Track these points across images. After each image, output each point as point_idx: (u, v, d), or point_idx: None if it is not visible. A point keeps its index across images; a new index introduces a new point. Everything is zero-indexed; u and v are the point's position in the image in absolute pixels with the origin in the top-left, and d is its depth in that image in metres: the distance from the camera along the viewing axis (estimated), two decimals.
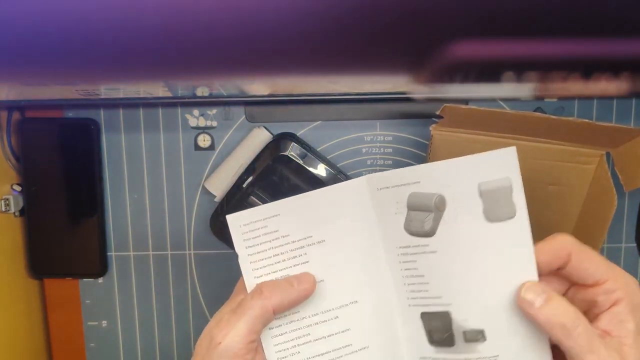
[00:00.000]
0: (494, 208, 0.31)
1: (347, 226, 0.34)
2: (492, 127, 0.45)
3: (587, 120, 0.43)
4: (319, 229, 0.34)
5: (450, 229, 0.32)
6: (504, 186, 0.31)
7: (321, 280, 0.34)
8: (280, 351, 0.34)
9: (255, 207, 0.34)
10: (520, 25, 0.18)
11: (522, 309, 0.30)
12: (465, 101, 0.49)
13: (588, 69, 0.20)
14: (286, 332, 0.34)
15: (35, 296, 0.54)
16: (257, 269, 0.34)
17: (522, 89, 0.21)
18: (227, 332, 0.31)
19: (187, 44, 0.19)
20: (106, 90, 0.48)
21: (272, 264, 0.34)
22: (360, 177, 0.34)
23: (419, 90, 0.48)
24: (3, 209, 0.50)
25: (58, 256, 0.52)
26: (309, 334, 0.35)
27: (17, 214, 0.51)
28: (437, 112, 0.44)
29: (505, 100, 0.50)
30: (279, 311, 0.33)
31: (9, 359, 0.50)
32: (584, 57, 0.19)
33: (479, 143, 0.46)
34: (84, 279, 0.53)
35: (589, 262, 0.31)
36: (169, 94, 0.49)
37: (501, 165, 0.30)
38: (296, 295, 0.33)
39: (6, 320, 0.50)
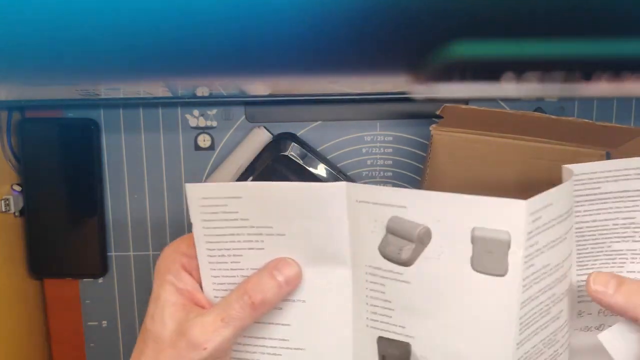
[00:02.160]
0: (484, 258, 0.28)
1: (312, 227, 0.32)
2: (492, 127, 0.45)
3: (587, 120, 0.43)
4: (281, 222, 0.33)
5: (430, 265, 0.30)
6: (500, 239, 0.28)
7: None
8: None
9: (218, 184, 0.32)
10: (520, 25, 0.18)
11: (596, 301, 0.30)
12: (465, 101, 0.49)
13: (588, 69, 0.20)
14: None
15: (35, 296, 0.54)
16: (210, 242, 0.33)
17: (522, 89, 0.21)
18: (214, 338, 0.31)
19: (187, 43, 0.19)
20: (106, 90, 0.48)
21: (226, 242, 0.33)
22: (340, 182, 0.32)
23: (419, 90, 0.48)
24: (3, 209, 0.50)
25: (58, 256, 0.52)
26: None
27: (17, 214, 0.51)
28: (437, 112, 0.44)
29: (505, 100, 0.50)
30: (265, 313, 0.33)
31: (9, 359, 0.50)
32: (584, 57, 0.19)
33: (479, 143, 0.46)
34: (84, 279, 0.53)
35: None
36: (169, 94, 0.49)
37: (505, 217, 0.28)
38: (285, 292, 0.33)
39: (6, 320, 0.49)
